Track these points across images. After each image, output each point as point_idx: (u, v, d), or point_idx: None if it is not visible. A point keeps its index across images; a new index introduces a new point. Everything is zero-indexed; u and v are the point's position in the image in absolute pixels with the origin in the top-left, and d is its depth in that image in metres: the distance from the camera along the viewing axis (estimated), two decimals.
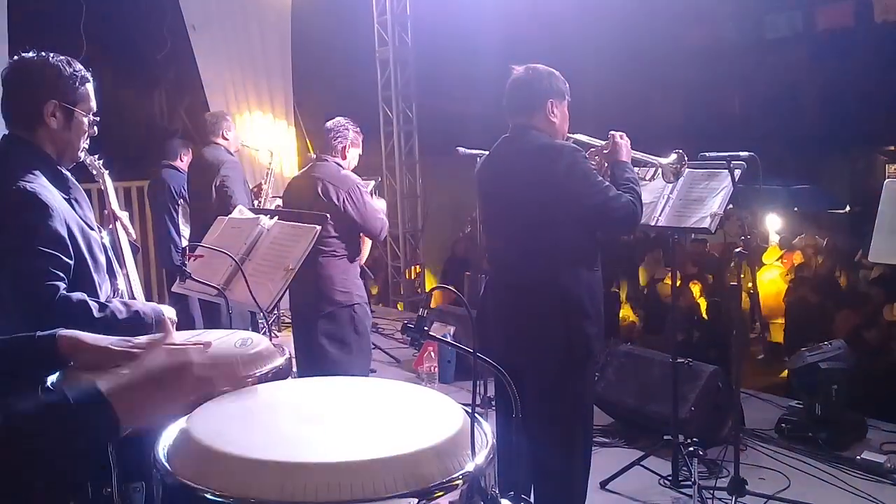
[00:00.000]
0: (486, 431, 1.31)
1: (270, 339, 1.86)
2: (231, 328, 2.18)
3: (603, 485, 3.71)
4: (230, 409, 1.34)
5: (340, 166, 3.97)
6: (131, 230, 2.59)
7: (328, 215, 3.03)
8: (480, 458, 1.22)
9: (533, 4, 10.49)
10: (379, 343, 6.38)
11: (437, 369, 5.42)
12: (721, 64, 13.51)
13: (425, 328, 1.29)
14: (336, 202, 3.80)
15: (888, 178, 10.38)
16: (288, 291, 4.28)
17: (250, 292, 2.29)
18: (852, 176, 14.78)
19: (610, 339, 5.98)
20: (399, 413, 1.35)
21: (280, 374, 1.67)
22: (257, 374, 1.57)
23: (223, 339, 1.81)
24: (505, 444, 2.81)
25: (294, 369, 1.79)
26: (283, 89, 8.39)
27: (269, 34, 8.20)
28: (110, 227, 2.47)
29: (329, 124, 4.00)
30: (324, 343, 3.91)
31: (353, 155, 4.06)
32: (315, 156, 4.13)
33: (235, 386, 1.40)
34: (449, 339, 5.49)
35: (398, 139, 8.63)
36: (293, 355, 4.20)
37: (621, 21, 11.86)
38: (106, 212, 2.53)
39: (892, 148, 15.75)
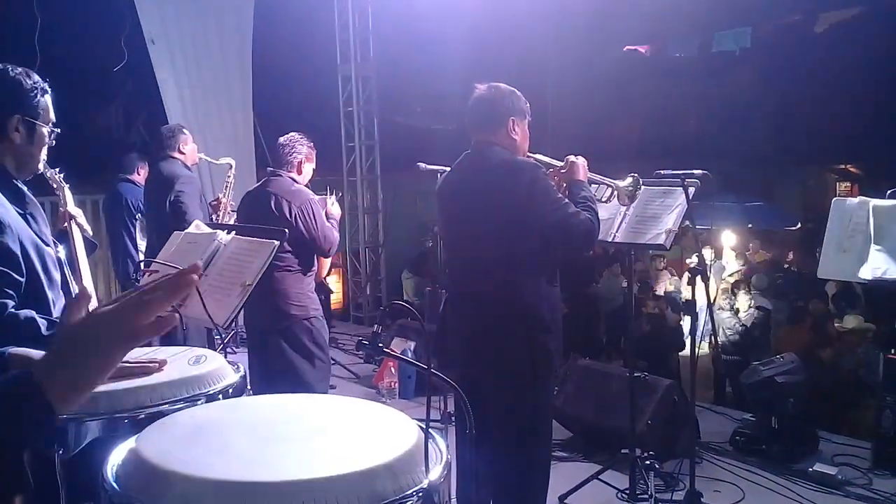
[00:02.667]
0: (441, 447, 1.32)
1: (226, 357, 1.85)
2: (187, 345, 2.16)
3: (562, 499, 3.73)
4: (181, 428, 1.32)
5: (295, 181, 3.95)
6: (87, 227, 2.55)
7: (286, 231, 3.01)
8: (435, 473, 1.22)
9: (496, 24, 10.60)
10: (339, 359, 6.34)
11: (397, 385, 5.41)
12: (677, 82, 13.79)
13: (379, 344, 1.29)
14: (288, 217, 3.78)
15: (838, 196, 10.68)
16: (246, 307, 4.27)
17: (204, 307, 2.26)
18: (804, 193, 15.19)
19: (570, 354, 6.04)
20: (354, 430, 1.35)
21: (234, 392, 1.66)
22: (210, 392, 1.56)
23: (177, 357, 1.80)
24: (464, 459, 2.83)
25: (248, 387, 1.77)
26: (244, 103, 8.32)
27: (230, 48, 8.14)
28: (65, 225, 2.43)
29: (282, 139, 3.99)
30: (280, 358, 3.87)
31: (308, 170, 4.05)
32: (269, 171, 4.10)
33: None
34: (409, 355, 5.48)
35: (360, 154, 8.62)
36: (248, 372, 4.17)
37: (581, 41, 12.07)
38: (61, 210, 2.49)
39: (843, 166, 16.23)
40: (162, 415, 1.49)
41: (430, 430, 1.33)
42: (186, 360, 1.72)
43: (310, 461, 1.20)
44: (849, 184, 16.11)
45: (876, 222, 2.76)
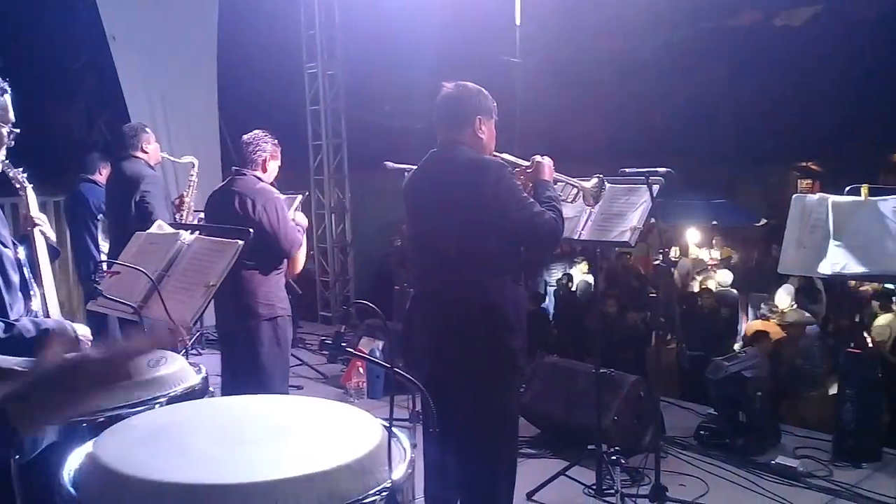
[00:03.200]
0: (405, 446, 1.31)
1: (187, 358, 1.83)
2: None
3: (529, 495, 3.74)
4: (140, 431, 1.30)
5: (259, 179, 3.91)
6: (51, 234, 2.50)
7: (251, 230, 2.97)
8: (398, 472, 1.22)
9: (465, 21, 10.61)
10: (306, 359, 6.29)
11: (365, 385, 5.39)
12: (642, 81, 13.93)
13: (343, 344, 1.29)
14: (252, 215, 3.73)
15: (800, 192, 10.88)
16: (214, 307, 4.22)
17: (166, 310, 2.23)
18: (767, 190, 15.44)
19: (537, 352, 6.07)
20: (317, 430, 1.34)
21: (195, 394, 1.64)
22: (170, 395, 1.54)
23: (137, 359, 1.77)
24: (431, 458, 2.82)
25: (210, 388, 1.75)
26: (208, 101, 8.23)
27: (194, 45, 8.04)
28: (29, 229, 2.38)
29: (246, 137, 3.94)
30: (246, 358, 3.84)
31: (274, 168, 4.01)
32: (234, 169, 4.05)
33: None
34: (378, 354, 5.47)
35: (327, 153, 8.57)
36: (220, 373, 4.12)
37: (549, 40, 12.12)
38: (24, 214, 2.44)
39: (805, 164, 16.53)
40: (121, 418, 1.47)
41: (395, 429, 1.32)
42: (146, 362, 1.69)
43: (272, 462, 1.19)
44: (810, 181, 16.42)
45: (835, 218, 2.81)
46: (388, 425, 1.27)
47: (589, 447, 3.83)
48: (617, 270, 9.13)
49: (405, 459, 1.27)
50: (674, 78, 14.01)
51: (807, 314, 6.20)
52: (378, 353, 5.70)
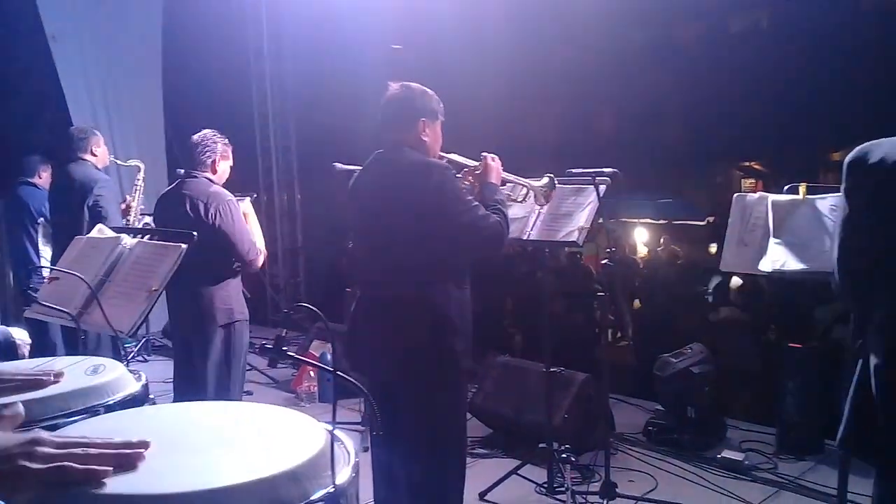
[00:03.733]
0: (350, 449, 1.30)
1: (127, 365, 1.78)
2: (97, 355, 2.07)
3: (482, 495, 3.76)
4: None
5: (211, 181, 3.82)
6: None
7: (195, 233, 2.91)
8: (342, 477, 1.20)
9: (414, 24, 10.59)
10: (256, 363, 6.21)
11: (316, 389, 5.35)
12: (591, 82, 14.09)
13: (284, 348, 1.27)
14: (205, 219, 3.66)
15: (744, 191, 11.11)
16: (168, 312, 4.12)
17: (104, 316, 2.18)
18: (712, 189, 15.77)
19: (489, 352, 6.08)
20: (258, 437, 1.32)
21: (135, 402, 1.60)
22: (108, 403, 1.50)
23: (73, 367, 1.72)
24: (379, 461, 2.81)
25: (151, 396, 1.71)
26: (153, 102, 8.08)
27: (138, 45, 7.89)
28: None
29: (195, 138, 3.85)
30: (203, 365, 3.76)
31: (225, 168, 3.93)
32: (183, 172, 3.96)
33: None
34: (328, 358, 5.42)
35: (276, 155, 8.48)
36: (173, 380, 4.03)
37: (499, 41, 12.17)
38: None
39: (748, 163, 16.94)
40: (56, 428, 1.42)
41: (341, 433, 1.31)
42: (83, 370, 1.64)
43: (210, 470, 1.17)
44: (753, 180, 16.83)
45: (774, 217, 2.88)
46: (331, 429, 1.26)
47: (540, 446, 3.86)
48: (568, 270, 9.22)
49: (349, 463, 1.25)
50: (623, 81, 14.21)
51: (740, 312, 6.36)
52: (328, 356, 5.66)
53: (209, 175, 3.83)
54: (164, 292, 3.78)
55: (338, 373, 1.19)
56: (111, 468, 1.11)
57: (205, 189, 3.76)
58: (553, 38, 12.75)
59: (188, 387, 3.83)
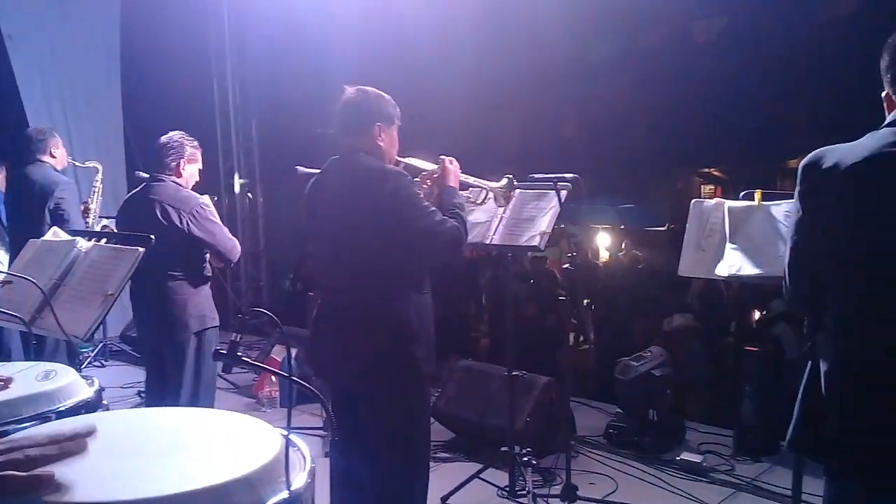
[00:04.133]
0: (306, 454, 1.29)
1: (80, 371, 1.75)
2: (54, 360, 2.03)
3: (444, 499, 3.75)
4: None
5: (179, 185, 3.74)
6: None
7: (152, 236, 2.86)
8: (297, 483, 1.20)
9: (383, 26, 10.57)
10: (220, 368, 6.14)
11: (277, 394, 5.30)
12: (555, 88, 14.20)
13: (238, 353, 1.25)
14: (179, 225, 3.58)
15: (703, 197, 11.28)
16: (137, 318, 4.05)
17: (57, 321, 2.13)
18: (673, 195, 16.00)
19: (452, 356, 6.08)
20: (213, 443, 1.30)
21: (88, 408, 1.57)
22: (59, 409, 1.47)
23: (24, 373, 1.68)
24: (339, 467, 2.79)
25: (104, 402, 1.68)
26: (112, 102, 7.94)
27: (96, 44, 7.75)
28: None
29: (163, 140, 3.75)
30: (176, 372, 3.69)
31: (192, 171, 3.84)
32: (147, 175, 3.88)
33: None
34: (291, 363, 5.38)
35: (237, 157, 8.39)
36: (145, 387, 3.94)
37: (464, 46, 12.21)
38: None
39: (708, 170, 17.22)
40: (6, 435, 1.39)
41: (298, 437, 1.30)
42: (34, 375, 1.61)
43: (164, 477, 1.15)
44: (712, 186, 17.10)
45: (730, 222, 2.93)
46: (286, 434, 1.25)
47: (502, 449, 3.87)
48: (531, 274, 9.27)
49: (305, 469, 1.25)
50: (586, 87, 14.34)
51: (693, 319, 6.48)
52: (292, 362, 5.60)
53: (177, 178, 3.75)
54: (135, 298, 3.75)
55: (293, 378, 1.18)
56: (54, 474, 1.09)
57: (174, 194, 3.66)
58: (518, 44, 12.81)
59: (160, 394, 3.75)
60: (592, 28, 12.53)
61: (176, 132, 3.80)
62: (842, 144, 1.65)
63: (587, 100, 14.76)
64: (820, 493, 1.78)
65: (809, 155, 1.70)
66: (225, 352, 1.28)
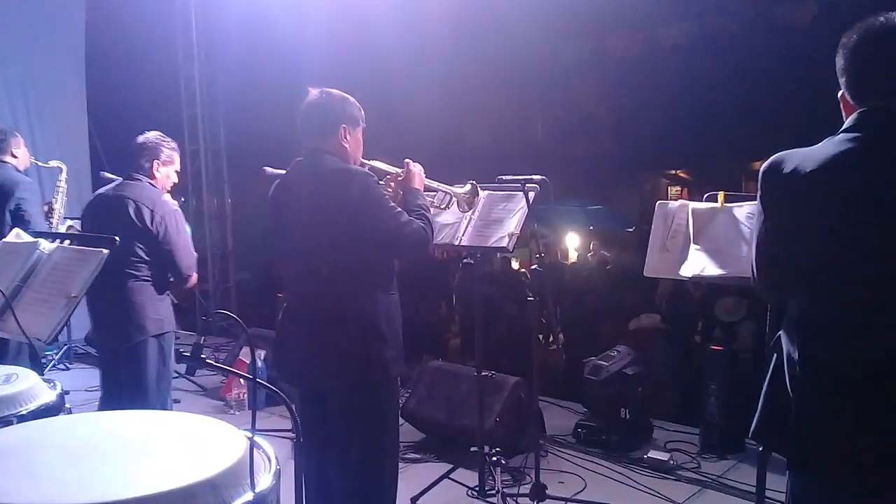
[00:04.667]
0: (271, 456, 1.29)
1: (41, 374, 1.72)
2: (17, 363, 2.00)
3: (413, 500, 3.75)
4: None
5: (154, 187, 3.70)
6: None
7: (117, 238, 2.82)
8: (262, 485, 1.19)
9: (350, 30, 10.55)
10: (183, 371, 6.07)
11: (246, 396, 5.25)
12: (525, 91, 14.29)
13: (202, 356, 1.25)
14: (150, 226, 3.52)
15: (670, 199, 11.43)
16: (93, 320, 3.97)
17: (17, 323, 2.10)
18: (640, 197, 16.19)
19: (422, 357, 6.10)
20: (177, 446, 1.30)
21: (50, 411, 1.55)
22: (21, 413, 1.45)
23: None
24: (307, 470, 2.78)
25: (66, 405, 1.65)
26: (76, 101, 7.81)
27: (60, 42, 7.61)
28: None
29: (140, 139, 3.69)
30: (132, 375, 3.62)
31: (167, 173, 3.78)
32: (112, 176, 3.81)
33: None
34: (259, 364, 5.34)
35: (205, 158, 8.31)
36: (100, 389, 3.87)
37: (436, 51, 12.25)
38: None
39: (674, 171, 17.45)
40: None
41: (263, 439, 1.30)
42: None
43: (127, 481, 1.14)
44: (679, 188, 17.34)
45: (694, 224, 2.98)
46: (250, 437, 1.24)
47: (472, 449, 3.88)
48: (501, 275, 9.32)
49: (270, 471, 1.24)
50: (555, 90, 14.46)
51: (659, 320, 6.58)
52: (260, 363, 5.56)
53: (149, 180, 3.70)
54: (93, 300, 3.68)
55: (256, 381, 1.18)
56: None
57: (150, 195, 3.60)
58: (487, 48, 12.88)
59: (113, 398, 3.69)
60: (561, 33, 12.64)
61: (153, 132, 3.74)
62: (801, 149, 1.68)
63: (556, 103, 14.89)
64: (783, 490, 1.81)
65: (769, 160, 1.72)
66: (189, 354, 1.27)
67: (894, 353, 1.50)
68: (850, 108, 1.65)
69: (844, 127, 1.63)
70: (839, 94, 1.68)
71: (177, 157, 3.82)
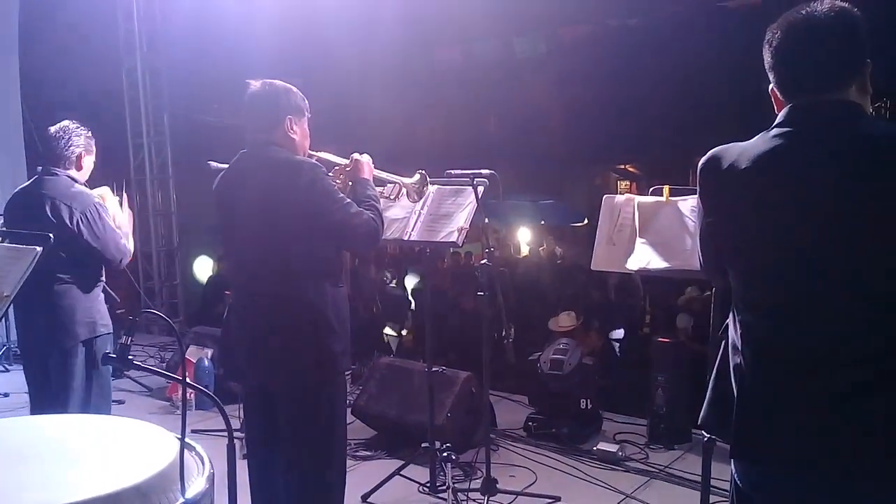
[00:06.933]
0: (205, 459, 1.24)
1: None
2: None
3: (364, 497, 3.72)
4: None
5: (74, 180, 3.47)
6: None
7: (51, 235, 2.69)
8: (193, 489, 1.15)
9: (303, 21, 10.40)
10: (128, 372, 5.91)
11: (193, 396, 5.14)
12: (478, 85, 14.31)
13: (129, 357, 1.19)
14: (69, 224, 3.31)
15: (619, 193, 11.58)
16: (19, 323, 3.78)
17: None
18: (591, 191, 16.35)
19: (374, 353, 6.05)
20: (107, 451, 1.24)
21: None
22: None
23: None
24: (255, 470, 2.73)
25: None
26: (8, 95, 7.51)
27: None
28: None
29: (54, 130, 3.46)
30: (62, 380, 3.44)
31: (89, 164, 3.60)
32: (41, 168, 3.61)
33: None
34: (206, 363, 5.23)
35: (148, 151, 8.10)
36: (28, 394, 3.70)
37: (388, 43, 12.16)
38: None
39: (624, 166, 17.68)
40: None
41: (210, 440, 1.25)
42: None
43: (51, 487, 1.09)
44: (628, 182, 17.58)
45: (640, 217, 3.01)
46: (181, 439, 1.20)
47: (423, 445, 3.86)
48: (451, 270, 9.33)
49: (203, 474, 1.20)
50: (506, 85, 14.51)
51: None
52: (207, 362, 5.46)
53: (72, 173, 3.49)
54: (19, 304, 3.49)
55: (186, 382, 1.13)
56: None
57: (66, 190, 3.40)
58: (439, 41, 12.86)
59: (42, 403, 3.50)
60: (512, 28, 12.68)
61: (68, 121, 3.50)
62: (737, 144, 1.70)
63: (508, 97, 14.94)
64: (728, 479, 1.84)
65: (706, 156, 1.74)
66: (114, 356, 1.21)
67: (835, 339, 1.53)
68: (781, 102, 1.67)
69: (776, 122, 1.65)
70: (769, 87, 1.70)
71: (94, 146, 3.60)
